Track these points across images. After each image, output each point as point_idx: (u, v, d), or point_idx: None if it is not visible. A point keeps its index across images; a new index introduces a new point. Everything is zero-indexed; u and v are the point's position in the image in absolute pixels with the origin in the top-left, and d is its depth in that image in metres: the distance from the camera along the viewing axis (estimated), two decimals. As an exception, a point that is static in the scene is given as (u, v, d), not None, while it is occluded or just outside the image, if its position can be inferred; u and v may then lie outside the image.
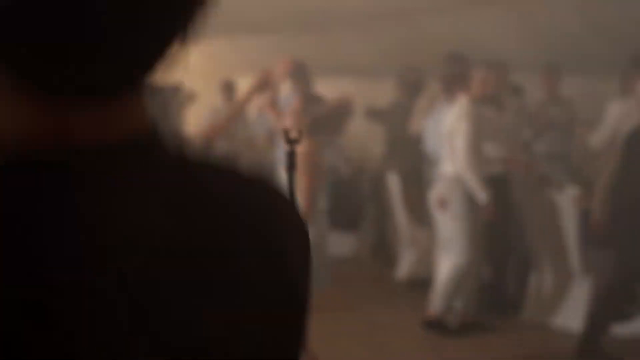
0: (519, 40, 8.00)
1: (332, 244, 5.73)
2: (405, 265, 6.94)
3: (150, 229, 0.53)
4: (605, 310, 5.19)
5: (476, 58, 7.15)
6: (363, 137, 9.80)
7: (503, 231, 5.79)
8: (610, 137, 5.83)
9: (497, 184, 5.62)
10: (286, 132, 3.58)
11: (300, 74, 6.36)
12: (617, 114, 5.76)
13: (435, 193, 5.76)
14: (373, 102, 9.98)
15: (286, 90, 6.81)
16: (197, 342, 0.53)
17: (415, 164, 6.72)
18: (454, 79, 6.44)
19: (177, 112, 9.40)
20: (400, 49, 9.38)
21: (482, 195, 5.42)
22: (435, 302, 5.72)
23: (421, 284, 6.53)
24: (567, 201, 5.93)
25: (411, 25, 8.95)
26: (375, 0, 8.09)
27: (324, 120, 4.88)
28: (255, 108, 6.50)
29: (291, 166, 3.46)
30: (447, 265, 5.60)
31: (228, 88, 10.60)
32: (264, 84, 5.30)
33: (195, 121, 8.88)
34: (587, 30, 7.33)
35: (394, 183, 7.00)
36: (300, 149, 4.20)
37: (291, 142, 3.46)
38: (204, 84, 12.69)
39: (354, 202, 7.72)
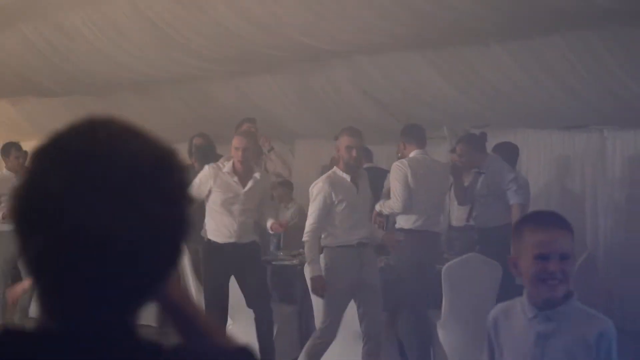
0: (301, 109, 8.28)
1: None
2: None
3: None
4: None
5: (265, 126, 7.28)
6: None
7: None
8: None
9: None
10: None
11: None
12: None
13: None
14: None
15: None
16: None
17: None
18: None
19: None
20: (190, 115, 9.39)
21: (310, 267, 5.27)
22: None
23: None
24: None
25: (199, 92, 8.98)
26: (162, 66, 8.02)
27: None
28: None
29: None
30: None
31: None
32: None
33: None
34: (363, 101, 7.76)
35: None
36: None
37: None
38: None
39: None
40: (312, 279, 5.24)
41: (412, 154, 5.86)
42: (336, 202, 5.26)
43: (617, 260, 7.57)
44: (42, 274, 0.93)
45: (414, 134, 5.94)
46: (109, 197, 0.88)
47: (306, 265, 5.44)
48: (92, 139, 0.92)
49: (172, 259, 1.00)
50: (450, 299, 5.81)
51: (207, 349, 1.14)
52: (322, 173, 5.92)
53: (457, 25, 5.79)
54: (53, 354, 0.91)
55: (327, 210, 5.24)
